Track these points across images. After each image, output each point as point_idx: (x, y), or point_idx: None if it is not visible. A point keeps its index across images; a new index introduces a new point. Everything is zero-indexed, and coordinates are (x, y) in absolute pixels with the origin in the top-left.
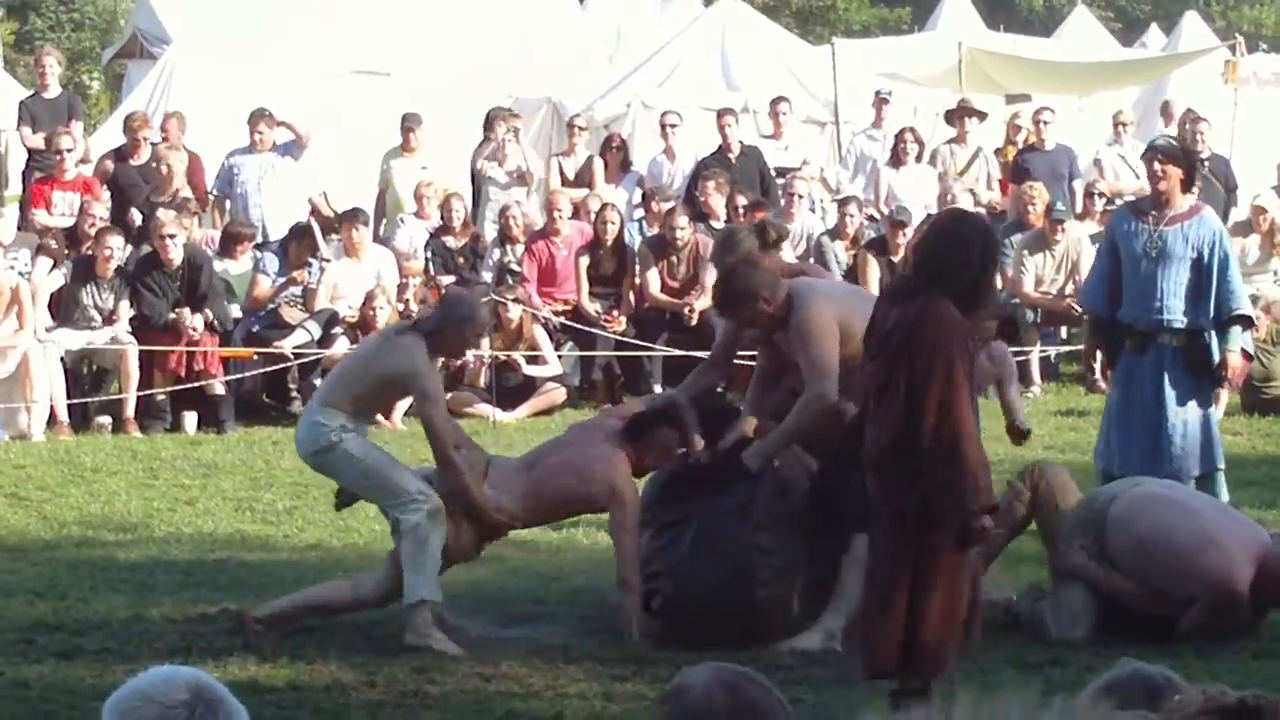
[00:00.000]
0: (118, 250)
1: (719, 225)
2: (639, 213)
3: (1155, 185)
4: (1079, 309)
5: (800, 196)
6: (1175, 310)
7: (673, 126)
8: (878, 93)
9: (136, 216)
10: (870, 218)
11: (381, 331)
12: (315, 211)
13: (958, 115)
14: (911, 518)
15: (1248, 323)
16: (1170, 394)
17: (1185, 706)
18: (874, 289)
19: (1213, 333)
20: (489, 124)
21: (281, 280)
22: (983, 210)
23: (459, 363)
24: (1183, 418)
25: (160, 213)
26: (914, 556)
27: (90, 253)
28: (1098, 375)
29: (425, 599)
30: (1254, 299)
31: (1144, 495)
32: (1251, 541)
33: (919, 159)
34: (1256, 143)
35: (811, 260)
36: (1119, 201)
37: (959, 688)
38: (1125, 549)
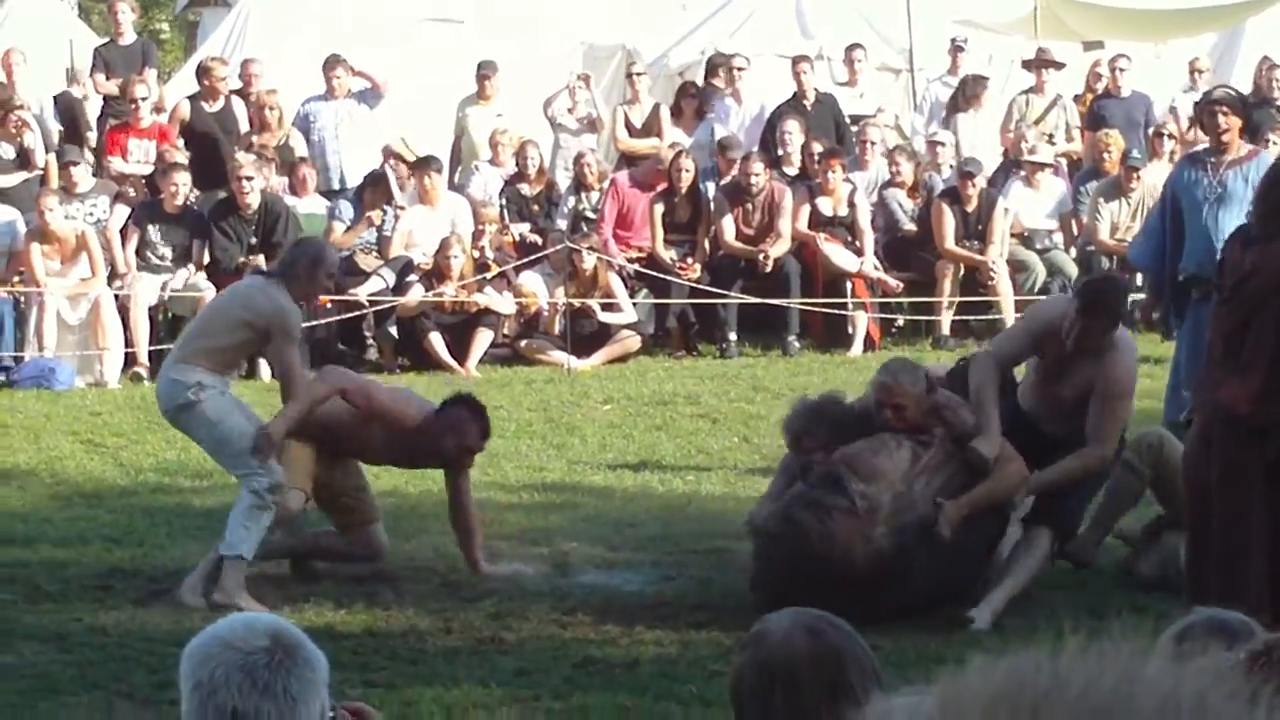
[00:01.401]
0: (183, 187)
1: (793, 172)
2: (713, 159)
3: (1218, 135)
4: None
5: (874, 144)
6: None
7: (739, 69)
8: (953, 40)
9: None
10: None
11: (233, 286)
12: (393, 157)
13: (1036, 65)
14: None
15: None
16: None
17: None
18: (949, 239)
19: None
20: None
21: (356, 225)
22: (1062, 159)
23: (533, 311)
24: None
25: (239, 154)
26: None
27: (159, 192)
28: (1142, 326)
29: (244, 556)
30: None
31: None
32: None
33: (990, 106)
34: None
35: (880, 212)
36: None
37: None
38: None
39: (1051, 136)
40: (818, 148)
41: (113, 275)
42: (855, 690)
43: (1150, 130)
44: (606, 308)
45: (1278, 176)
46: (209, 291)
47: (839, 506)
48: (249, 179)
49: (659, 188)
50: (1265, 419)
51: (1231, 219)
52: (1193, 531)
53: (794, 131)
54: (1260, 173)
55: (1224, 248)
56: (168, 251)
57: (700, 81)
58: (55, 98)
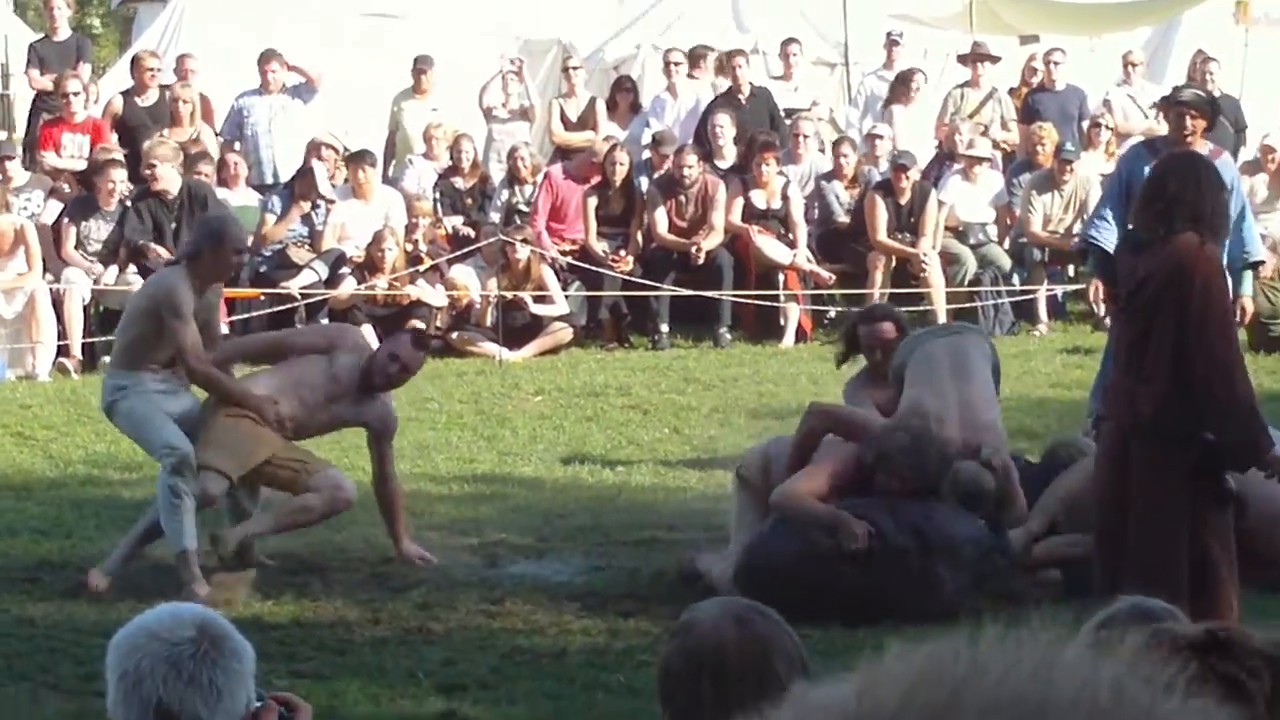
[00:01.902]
0: (120, 183)
1: (727, 165)
2: (647, 153)
3: (1183, 136)
4: (1080, 242)
5: (806, 136)
6: None
7: (675, 64)
8: (889, 34)
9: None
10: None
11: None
12: (321, 149)
13: (971, 59)
14: (1191, 469)
15: (1256, 267)
16: None
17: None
18: (881, 231)
19: (1227, 275)
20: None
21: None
22: (998, 152)
23: (465, 304)
24: None
25: (149, 142)
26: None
27: (95, 185)
28: (1100, 310)
29: (186, 549)
30: (1262, 238)
31: None
32: None
33: (925, 100)
34: (1266, 83)
35: (818, 202)
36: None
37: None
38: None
39: (986, 129)
40: (752, 141)
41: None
42: (782, 679)
43: (1083, 122)
44: (539, 300)
45: (1160, 180)
46: (139, 284)
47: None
48: (158, 163)
49: (593, 181)
50: (1173, 426)
51: None
52: (1103, 542)
53: (726, 125)
54: (1223, 174)
55: (1115, 255)
56: (100, 247)
57: (635, 75)
58: None
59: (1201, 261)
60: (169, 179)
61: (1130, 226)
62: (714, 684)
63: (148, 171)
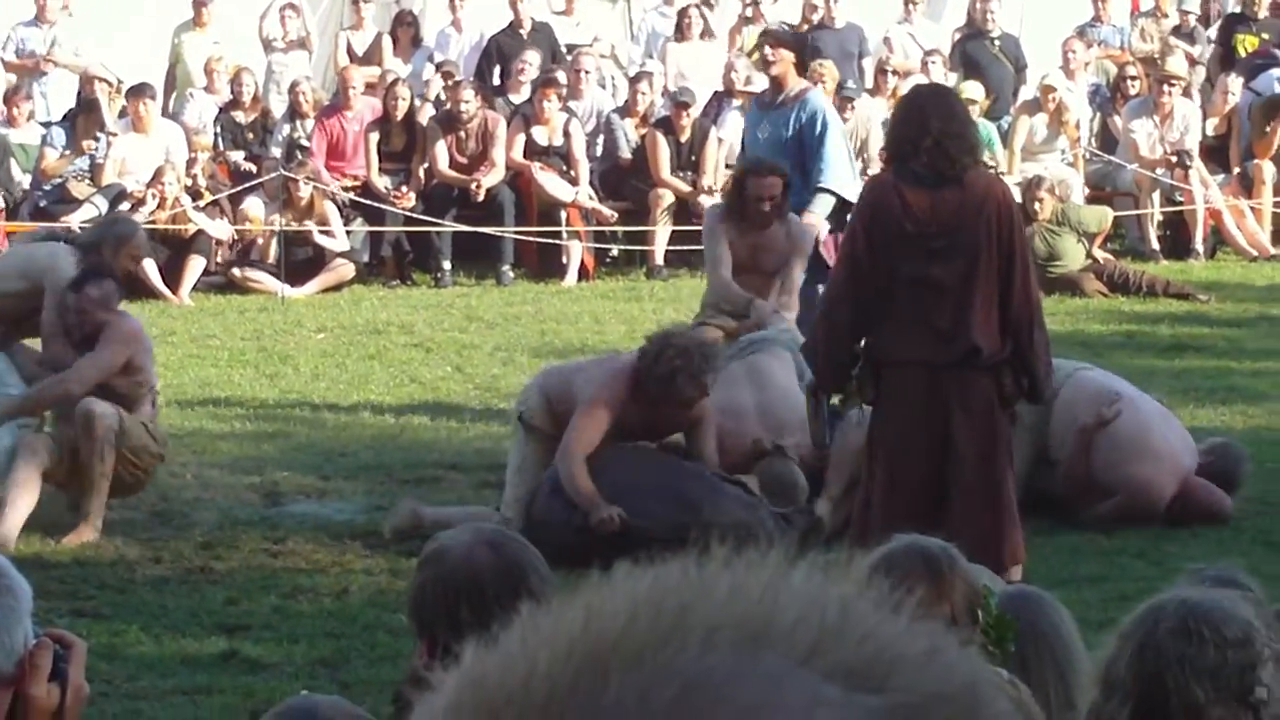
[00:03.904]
0: None
1: (518, 100)
2: (434, 89)
3: (768, 70)
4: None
5: (588, 72)
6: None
7: None
8: None
9: None
10: (664, 93)
11: (13, 248)
12: (94, 81)
13: None
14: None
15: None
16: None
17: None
18: (664, 169)
19: (812, 208)
20: None
21: (68, 153)
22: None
23: (248, 238)
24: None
25: None
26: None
27: None
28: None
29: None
30: (1040, 179)
31: (1090, 380)
32: (1182, 457)
33: (704, 35)
34: (1045, 23)
35: (601, 138)
36: (910, 79)
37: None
38: (1066, 429)
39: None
40: (533, 75)
41: None
42: (537, 596)
43: (863, 60)
44: (324, 232)
45: (919, 117)
46: None
47: None
48: None
49: (374, 116)
50: (1001, 357)
51: (779, 158)
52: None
53: (534, 62)
54: (805, 112)
55: (897, 186)
56: None
57: (417, 10)
58: None
59: (1011, 195)
60: None
61: (887, 164)
62: (472, 609)
63: None
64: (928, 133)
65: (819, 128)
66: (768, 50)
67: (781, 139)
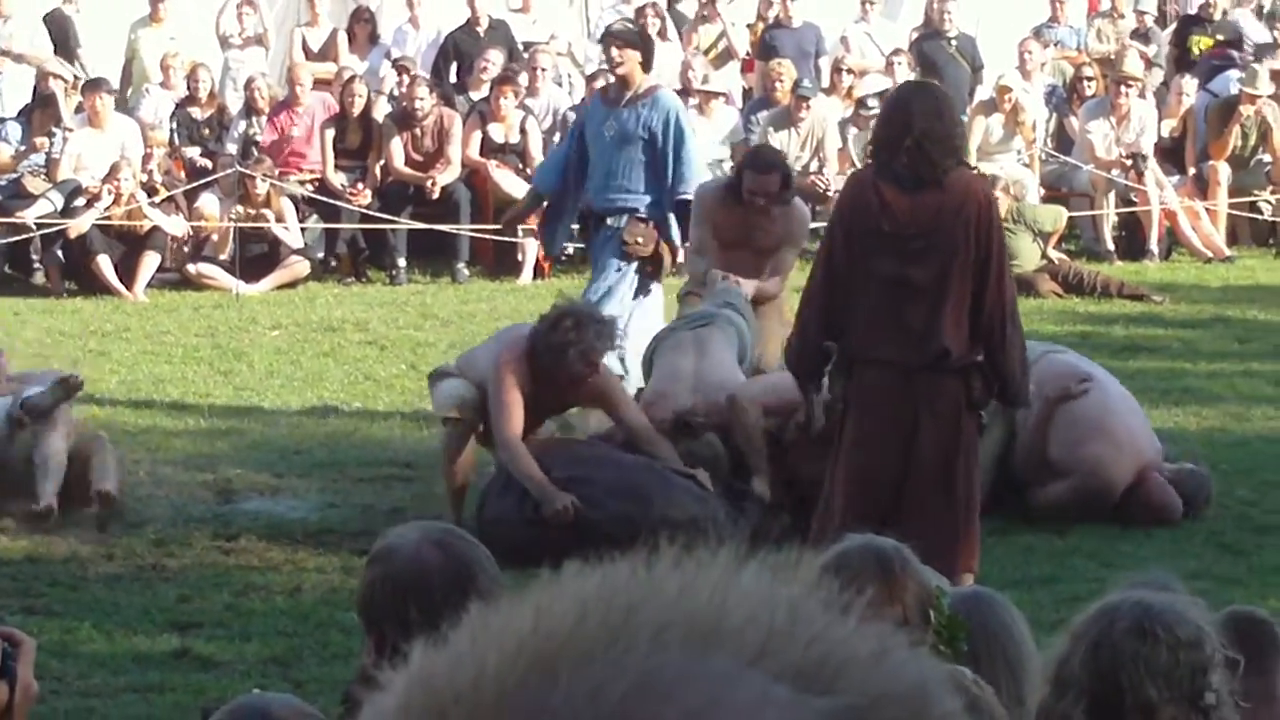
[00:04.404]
0: None
1: (477, 98)
2: (388, 85)
3: (614, 70)
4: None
5: (544, 70)
6: (635, 191)
7: None
8: None
9: None
10: None
11: None
12: (50, 77)
13: None
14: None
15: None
16: (634, 279)
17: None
18: None
19: (672, 216)
20: None
21: (23, 148)
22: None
23: (203, 235)
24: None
25: None
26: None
27: None
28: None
29: None
30: (994, 178)
31: (1062, 360)
32: (1144, 449)
33: (663, 35)
34: (1002, 23)
35: (557, 136)
36: (866, 78)
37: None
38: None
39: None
40: (492, 73)
41: None
42: (486, 595)
43: (820, 59)
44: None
45: (904, 117)
46: None
47: None
48: None
49: (329, 113)
50: (971, 358)
51: (627, 158)
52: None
53: (497, 61)
54: (654, 112)
55: (877, 186)
56: None
57: (374, 6)
58: None
59: (993, 196)
60: None
61: (873, 163)
62: (420, 608)
63: None
64: (909, 132)
65: (674, 131)
66: (614, 51)
67: (631, 137)
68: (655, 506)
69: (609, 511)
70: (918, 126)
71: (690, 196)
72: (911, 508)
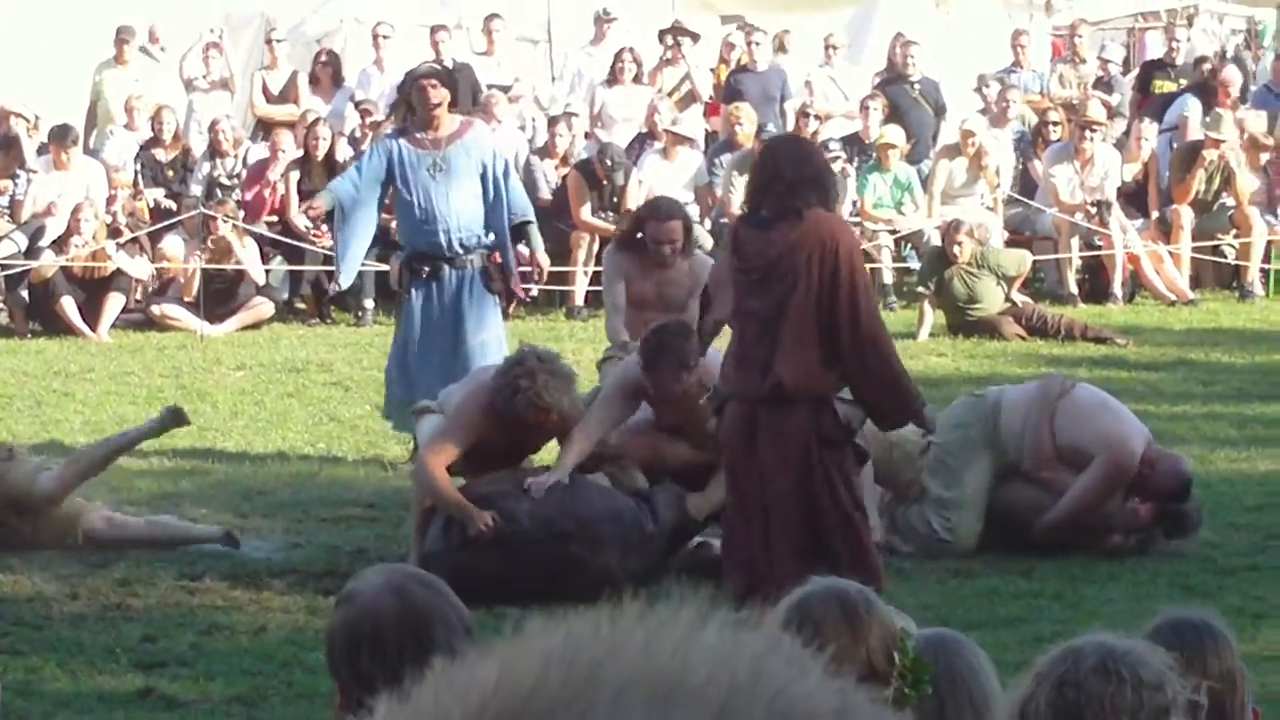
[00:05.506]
0: None
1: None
2: (350, 126)
3: (429, 109)
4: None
5: (500, 122)
6: (471, 228)
7: (385, 38)
8: (600, 12)
9: None
10: (586, 135)
11: None
12: (11, 117)
13: (672, 34)
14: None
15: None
16: (471, 316)
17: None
18: (584, 211)
19: (509, 245)
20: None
21: None
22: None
23: (167, 276)
24: (481, 339)
25: None
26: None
27: None
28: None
29: None
30: (959, 222)
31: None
32: (1142, 429)
33: (637, 79)
34: (965, 67)
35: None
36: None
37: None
38: (1022, 423)
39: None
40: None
41: None
42: (444, 648)
43: (785, 103)
44: (240, 273)
45: (773, 165)
46: None
47: None
48: None
49: (294, 156)
50: (812, 392)
51: (458, 195)
52: (737, 507)
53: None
54: (480, 143)
55: (737, 230)
56: None
57: (338, 49)
58: None
59: (846, 233)
60: None
61: (745, 207)
62: (373, 655)
63: None
64: (780, 179)
65: (501, 163)
66: (430, 91)
67: (460, 174)
68: (567, 504)
69: (526, 517)
70: (788, 173)
71: (530, 217)
72: (776, 542)
